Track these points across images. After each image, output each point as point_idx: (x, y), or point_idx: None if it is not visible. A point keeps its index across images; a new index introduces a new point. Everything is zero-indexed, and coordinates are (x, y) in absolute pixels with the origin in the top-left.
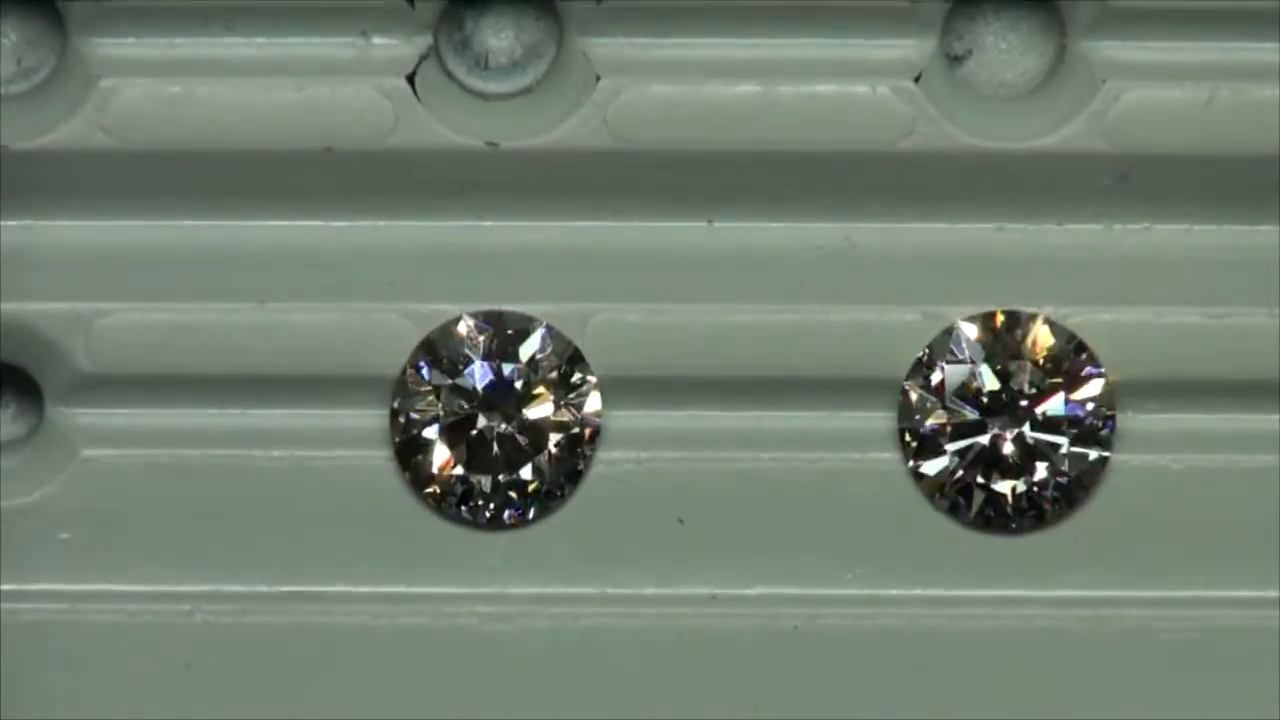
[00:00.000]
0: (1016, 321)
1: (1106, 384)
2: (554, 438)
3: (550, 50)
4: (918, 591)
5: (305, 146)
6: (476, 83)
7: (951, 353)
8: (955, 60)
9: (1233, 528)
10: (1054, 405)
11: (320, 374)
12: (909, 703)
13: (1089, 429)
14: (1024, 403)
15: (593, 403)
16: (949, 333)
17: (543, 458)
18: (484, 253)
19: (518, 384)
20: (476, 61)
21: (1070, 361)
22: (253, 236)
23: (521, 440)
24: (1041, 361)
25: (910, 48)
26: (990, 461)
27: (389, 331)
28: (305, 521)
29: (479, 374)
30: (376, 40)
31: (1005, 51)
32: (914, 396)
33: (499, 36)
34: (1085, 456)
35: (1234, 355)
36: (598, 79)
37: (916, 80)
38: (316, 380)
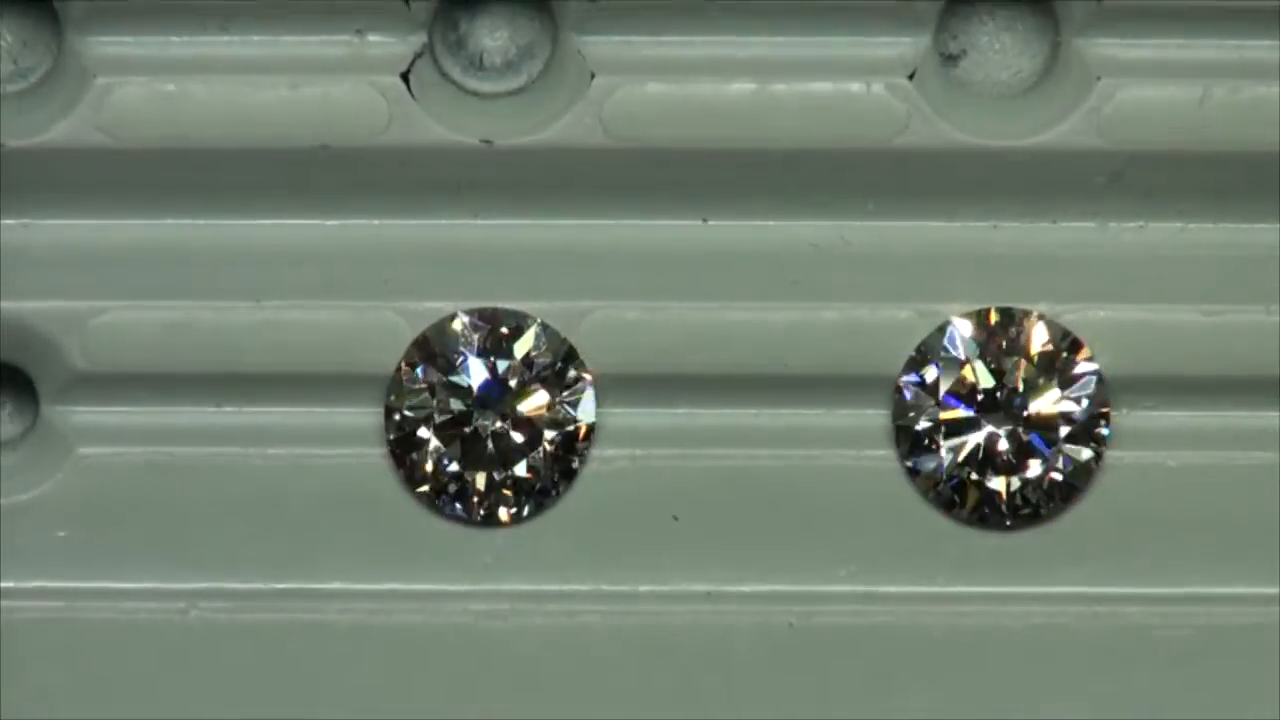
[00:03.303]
0: (1011, 318)
1: (1101, 381)
2: (548, 435)
3: (545, 50)
4: (913, 588)
5: (300, 144)
6: (471, 83)
7: (946, 350)
8: (950, 60)
9: (1229, 525)
10: (1048, 402)
11: (315, 372)
12: (904, 699)
13: (1084, 426)
14: (1018, 400)
15: (587, 400)
16: (943, 330)
17: (537, 455)
18: (478, 250)
19: (512, 381)
20: (471, 62)
21: (1065, 358)
22: (248, 235)
23: (516, 437)
24: (1036, 358)
25: (905, 45)
26: (985, 458)
27: (384, 329)
28: (300, 519)
29: (473, 371)
30: (371, 38)
31: (999, 52)
32: (908, 394)
33: (493, 37)
34: (1080, 453)
35: (1230, 352)
36: (592, 77)
37: (911, 78)
38: (311, 378)
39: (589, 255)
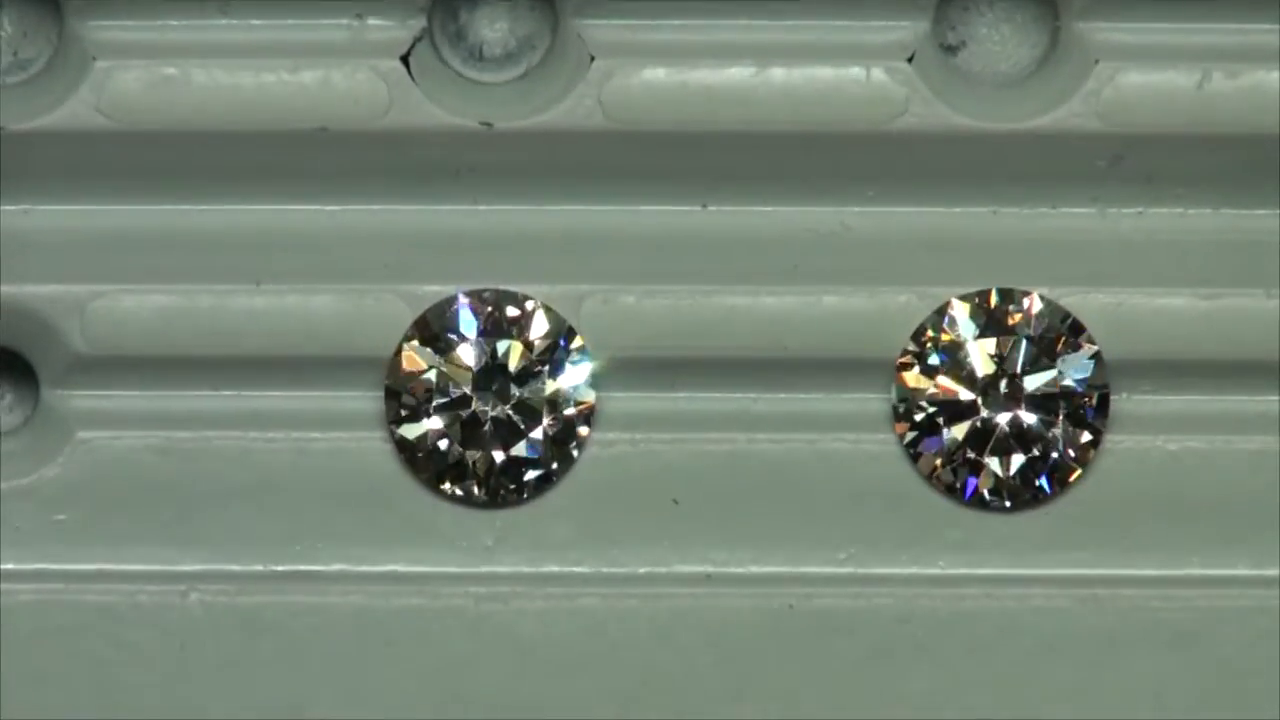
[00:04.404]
0: (1010, 300)
1: (1100, 364)
2: (548, 418)
3: (545, 40)
4: (913, 571)
5: (300, 128)
6: (471, 73)
7: (945, 332)
8: (949, 50)
9: (1228, 508)
10: (1048, 385)
11: (316, 355)
12: (904, 682)
13: (1083, 409)
14: (1018, 382)
15: (587, 383)
16: (942, 312)
17: (537, 438)
18: (479, 234)
19: (512, 364)
20: (471, 53)
21: (1064, 341)
22: (248, 218)
23: (515, 420)
24: (1035, 341)
25: (904, 29)
26: (985, 441)
27: (384, 313)
28: (300, 502)
29: (473, 354)
30: (371, 22)
31: (999, 43)
32: (908, 377)
33: (493, 28)
34: (1079, 437)
35: (1229, 337)
36: (592, 60)
37: (910, 61)
38: (312, 362)
39: (588, 239)
